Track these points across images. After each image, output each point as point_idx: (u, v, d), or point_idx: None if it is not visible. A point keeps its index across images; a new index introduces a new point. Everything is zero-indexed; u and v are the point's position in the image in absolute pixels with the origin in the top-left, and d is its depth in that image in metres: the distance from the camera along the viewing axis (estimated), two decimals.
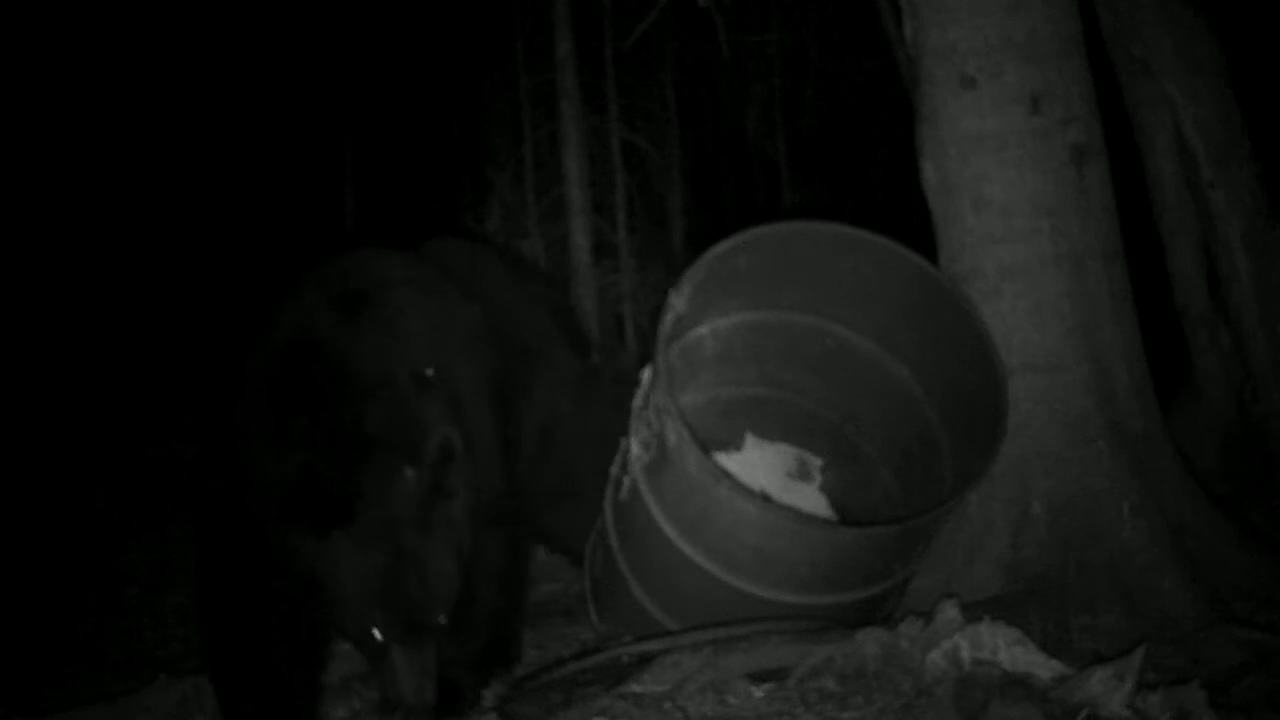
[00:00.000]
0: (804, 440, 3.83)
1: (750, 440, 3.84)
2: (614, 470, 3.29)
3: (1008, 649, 2.48)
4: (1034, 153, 3.32)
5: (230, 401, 2.64)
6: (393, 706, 2.46)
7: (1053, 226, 3.32)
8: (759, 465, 3.78)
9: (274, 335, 2.65)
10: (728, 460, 3.71)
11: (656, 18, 6.60)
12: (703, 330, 3.53)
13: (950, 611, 2.58)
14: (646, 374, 3.11)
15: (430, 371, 2.66)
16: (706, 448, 3.09)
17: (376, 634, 2.42)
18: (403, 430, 2.49)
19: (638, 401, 3.14)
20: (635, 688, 2.66)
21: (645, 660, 2.78)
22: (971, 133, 3.34)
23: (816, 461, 3.84)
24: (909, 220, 3.70)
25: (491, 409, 2.96)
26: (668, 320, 3.09)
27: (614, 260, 7.98)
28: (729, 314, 3.54)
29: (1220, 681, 2.70)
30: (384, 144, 10.00)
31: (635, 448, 3.08)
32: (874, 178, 9.73)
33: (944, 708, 2.37)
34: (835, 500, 3.79)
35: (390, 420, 2.49)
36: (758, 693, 2.62)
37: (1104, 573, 3.18)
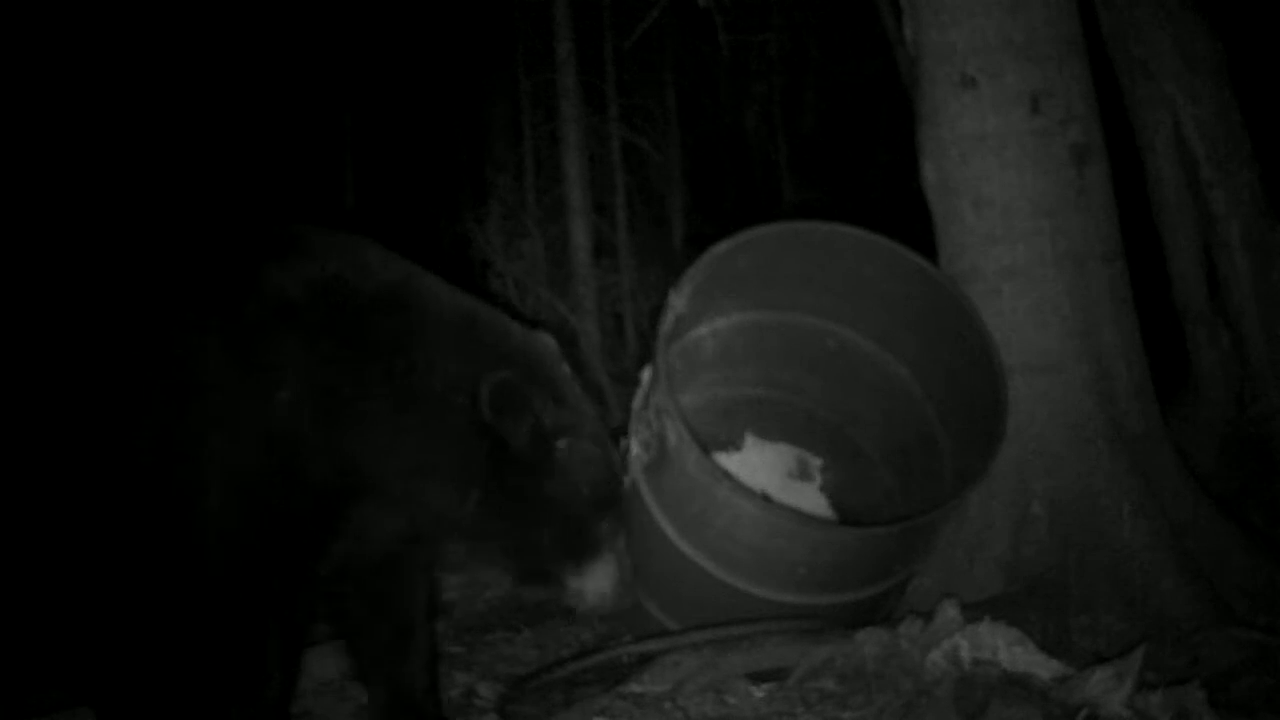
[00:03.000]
0: (804, 440, 3.83)
1: (750, 440, 3.84)
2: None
3: (1008, 649, 2.48)
4: (1034, 153, 3.32)
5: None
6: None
7: (1053, 226, 3.32)
8: (759, 465, 3.78)
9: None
10: (728, 460, 3.71)
11: (656, 18, 6.60)
12: (702, 330, 3.53)
13: (950, 611, 2.58)
14: (646, 374, 3.11)
15: None
16: (706, 448, 3.09)
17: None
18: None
19: (638, 402, 3.14)
20: (635, 688, 2.66)
21: (645, 660, 2.79)
22: (971, 133, 3.34)
23: (816, 461, 3.84)
24: (909, 220, 3.70)
25: None
26: (668, 320, 3.09)
27: (614, 260, 7.97)
28: (729, 314, 3.54)
29: (1220, 681, 2.70)
30: (384, 144, 9.99)
31: (635, 448, 3.08)
32: (874, 178, 9.73)
33: (944, 708, 2.37)
34: (835, 500, 3.80)
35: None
36: (758, 693, 2.63)
37: (1104, 573, 3.18)
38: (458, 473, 2.48)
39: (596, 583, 2.60)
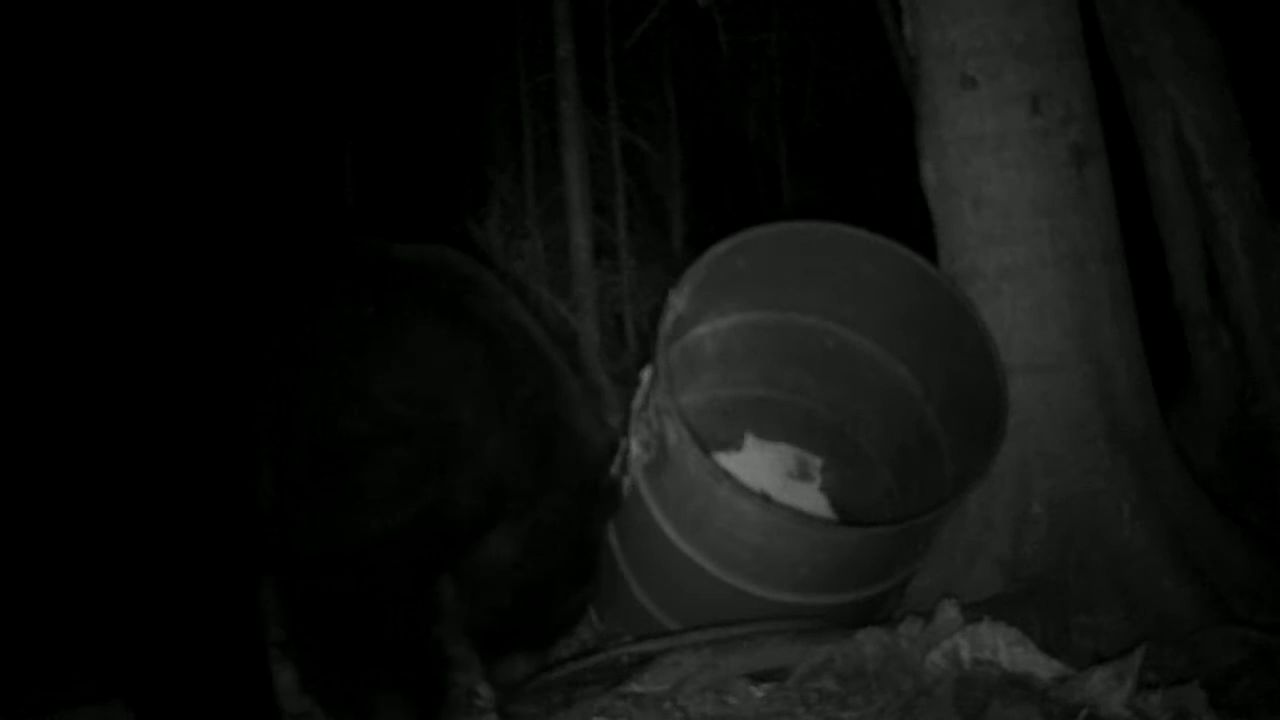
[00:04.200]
0: (804, 440, 3.83)
1: (750, 440, 3.84)
2: (613, 470, 3.29)
3: (1008, 649, 2.48)
4: (1034, 153, 3.32)
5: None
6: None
7: (1052, 226, 3.32)
8: (759, 465, 3.78)
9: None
10: (728, 460, 3.71)
11: (656, 18, 6.60)
12: (703, 330, 3.53)
13: (950, 611, 2.58)
14: (646, 374, 3.11)
15: None
16: (706, 448, 3.09)
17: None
18: None
19: (638, 402, 3.14)
20: (635, 688, 2.66)
21: (645, 660, 2.79)
22: (971, 133, 3.34)
23: (816, 461, 3.84)
24: (909, 220, 3.70)
25: None
26: (668, 320, 3.09)
27: (614, 260, 7.98)
28: (729, 314, 3.54)
29: (1220, 681, 2.70)
30: (384, 144, 9.99)
31: (635, 448, 3.08)
32: (874, 178, 9.72)
33: (944, 708, 2.37)
34: (835, 500, 3.80)
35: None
36: (758, 693, 2.63)
37: (1104, 573, 3.18)
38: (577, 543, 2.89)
39: (516, 673, 2.93)
